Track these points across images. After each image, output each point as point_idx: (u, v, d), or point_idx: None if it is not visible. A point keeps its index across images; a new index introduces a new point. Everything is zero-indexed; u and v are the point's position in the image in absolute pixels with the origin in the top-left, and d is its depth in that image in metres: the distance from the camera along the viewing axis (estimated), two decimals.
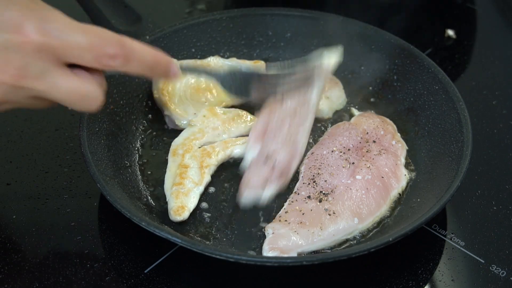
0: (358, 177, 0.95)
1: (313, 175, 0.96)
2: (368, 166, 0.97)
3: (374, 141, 1.01)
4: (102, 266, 0.87)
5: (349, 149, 1.00)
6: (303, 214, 0.90)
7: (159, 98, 1.06)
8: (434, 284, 0.88)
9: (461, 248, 0.92)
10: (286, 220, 0.89)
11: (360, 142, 1.01)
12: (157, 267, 0.87)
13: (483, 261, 0.90)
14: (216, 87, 1.09)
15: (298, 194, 0.94)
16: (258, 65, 1.13)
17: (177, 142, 1.00)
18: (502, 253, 0.91)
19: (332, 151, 0.99)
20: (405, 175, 0.98)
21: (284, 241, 0.87)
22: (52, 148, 1.03)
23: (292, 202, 0.93)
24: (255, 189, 0.92)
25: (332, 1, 1.24)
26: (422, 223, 0.84)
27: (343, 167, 0.97)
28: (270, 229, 0.88)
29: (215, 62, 1.12)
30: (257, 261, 0.81)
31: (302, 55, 1.18)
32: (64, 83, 0.73)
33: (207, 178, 0.95)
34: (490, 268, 0.90)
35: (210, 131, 1.02)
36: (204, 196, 0.95)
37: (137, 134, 1.04)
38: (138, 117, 1.06)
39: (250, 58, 1.16)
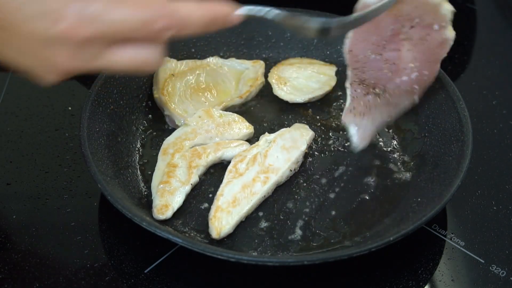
0: (404, 78, 0.96)
1: (360, 80, 0.97)
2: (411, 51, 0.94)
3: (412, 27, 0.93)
4: (102, 266, 0.87)
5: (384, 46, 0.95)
6: (369, 108, 0.96)
7: (159, 98, 1.06)
8: (434, 284, 0.88)
9: (461, 248, 0.92)
10: (358, 113, 0.96)
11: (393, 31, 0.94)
12: (157, 267, 0.87)
13: (483, 261, 0.90)
14: (216, 87, 1.09)
15: (356, 91, 0.97)
16: (257, 65, 1.13)
17: (168, 141, 1.00)
18: (502, 253, 0.91)
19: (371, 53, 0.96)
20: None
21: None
22: (52, 148, 1.03)
23: (354, 98, 0.97)
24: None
25: (332, 1, 1.24)
26: (422, 223, 0.84)
27: (385, 70, 0.96)
28: (353, 125, 0.97)
29: (214, 62, 1.12)
30: (258, 261, 0.81)
31: (302, 55, 1.18)
32: (119, 58, 0.72)
33: (194, 178, 0.95)
34: (490, 268, 0.90)
35: (203, 132, 1.01)
36: (204, 197, 0.95)
37: (138, 134, 1.04)
38: (138, 117, 1.06)
39: (250, 58, 1.15)
